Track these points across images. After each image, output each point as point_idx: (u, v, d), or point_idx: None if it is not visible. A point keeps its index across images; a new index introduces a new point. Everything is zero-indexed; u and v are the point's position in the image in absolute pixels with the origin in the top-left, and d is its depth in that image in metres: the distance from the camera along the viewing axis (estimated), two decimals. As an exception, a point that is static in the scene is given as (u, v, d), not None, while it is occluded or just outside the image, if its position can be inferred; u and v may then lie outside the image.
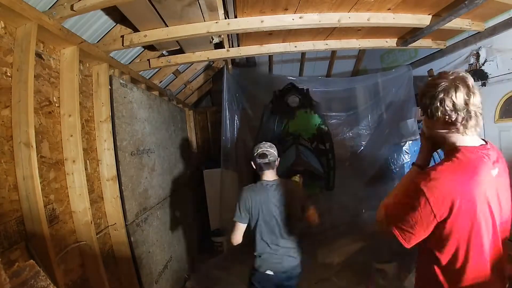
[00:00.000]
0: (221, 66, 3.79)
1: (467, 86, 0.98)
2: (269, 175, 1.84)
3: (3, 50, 1.40)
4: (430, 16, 2.39)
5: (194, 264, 3.52)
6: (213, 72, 4.08)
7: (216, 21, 2.11)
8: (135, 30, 2.13)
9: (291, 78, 3.60)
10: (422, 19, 2.39)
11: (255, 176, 3.11)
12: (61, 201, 1.70)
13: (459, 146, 1.02)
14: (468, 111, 0.97)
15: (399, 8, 2.24)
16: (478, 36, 2.66)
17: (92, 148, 2.08)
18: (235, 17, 2.17)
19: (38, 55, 1.62)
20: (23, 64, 1.42)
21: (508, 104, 2.60)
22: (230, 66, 3.44)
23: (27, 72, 1.42)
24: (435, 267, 1.05)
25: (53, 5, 1.62)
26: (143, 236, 2.41)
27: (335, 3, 2.08)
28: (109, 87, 2.20)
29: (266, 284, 1.83)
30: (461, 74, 1.01)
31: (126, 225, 2.18)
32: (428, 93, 1.04)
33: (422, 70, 3.45)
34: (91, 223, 1.79)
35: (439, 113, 1.00)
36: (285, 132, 3.31)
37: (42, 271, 0.77)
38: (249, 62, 4.04)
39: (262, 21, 2.18)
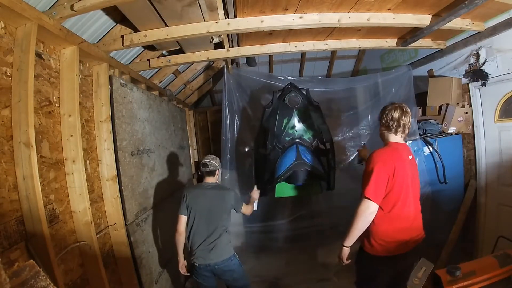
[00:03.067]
0: (221, 66, 3.79)
1: (402, 109, 1.75)
2: (210, 180, 2.22)
3: (3, 50, 1.40)
4: (430, 16, 2.39)
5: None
6: (213, 72, 4.08)
7: (216, 21, 2.11)
8: (135, 30, 2.13)
9: (291, 78, 3.60)
10: (422, 19, 2.39)
11: (257, 175, 3.12)
12: (61, 201, 1.70)
13: (391, 141, 1.79)
14: (399, 123, 1.74)
15: (399, 8, 2.24)
16: (478, 36, 2.66)
17: (92, 148, 2.08)
18: (235, 17, 2.17)
19: (38, 55, 1.62)
20: (23, 64, 1.43)
21: (508, 104, 2.60)
22: (230, 66, 3.44)
23: (27, 72, 1.42)
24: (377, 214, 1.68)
25: (53, 5, 1.62)
26: (143, 236, 2.41)
27: (335, 3, 2.09)
28: (109, 87, 2.20)
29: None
30: (401, 104, 1.79)
31: (126, 225, 2.18)
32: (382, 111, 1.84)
33: (422, 70, 3.45)
34: (91, 223, 1.79)
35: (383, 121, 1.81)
36: (285, 132, 3.31)
37: (42, 271, 0.76)
38: (249, 62, 4.04)
39: (262, 21, 2.18)
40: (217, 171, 2.22)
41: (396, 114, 1.73)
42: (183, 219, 2.13)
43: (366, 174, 1.70)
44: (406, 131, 1.78)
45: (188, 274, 2.23)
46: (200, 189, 2.19)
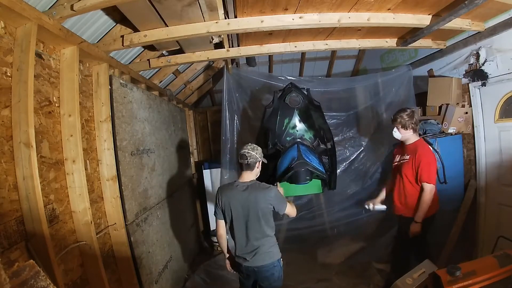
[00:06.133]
0: (221, 66, 3.79)
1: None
2: (245, 176, 1.94)
3: (3, 50, 1.40)
4: (430, 16, 2.39)
5: (194, 264, 3.52)
6: (213, 72, 4.08)
7: (216, 21, 2.11)
8: (135, 30, 2.13)
9: (291, 78, 3.59)
10: (422, 19, 2.39)
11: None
12: (61, 201, 1.70)
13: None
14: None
15: (399, 8, 2.24)
16: (478, 36, 2.66)
17: (92, 148, 2.08)
18: (235, 17, 2.17)
19: (38, 55, 1.62)
20: (23, 64, 1.43)
21: (508, 104, 2.60)
22: (230, 66, 3.44)
23: (27, 72, 1.42)
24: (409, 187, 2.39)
25: (53, 5, 1.62)
26: (143, 236, 2.41)
27: (335, 3, 2.09)
28: (109, 87, 2.20)
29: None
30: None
31: (126, 225, 2.18)
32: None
33: (422, 70, 3.45)
34: (91, 223, 1.79)
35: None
36: (286, 132, 3.31)
37: (42, 271, 0.76)
38: (249, 62, 4.04)
39: (262, 21, 2.18)
40: (257, 164, 1.92)
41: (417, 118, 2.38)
42: (220, 223, 1.97)
43: (428, 166, 2.26)
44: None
45: (234, 271, 2.11)
46: (233, 190, 1.90)
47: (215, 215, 2.00)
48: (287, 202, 1.99)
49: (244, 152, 1.89)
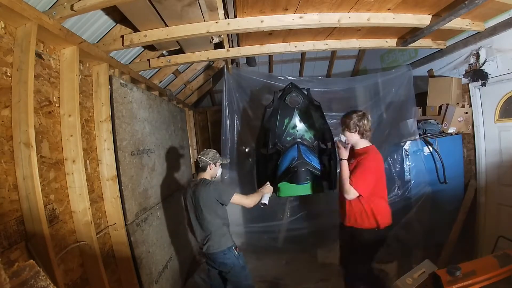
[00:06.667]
0: (221, 66, 3.79)
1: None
2: (200, 176, 2.23)
3: (3, 50, 1.40)
4: (430, 16, 2.39)
5: (194, 264, 3.52)
6: (213, 72, 4.08)
7: (216, 21, 2.11)
8: (135, 30, 2.13)
9: (291, 78, 3.60)
10: (422, 19, 2.39)
11: (258, 175, 3.12)
12: (61, 201, 1.70)
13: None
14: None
15: (399, 8, 2.24)
16: (478, 36, 2.66)
17: (92, 148, 2.08)
18: (235, 17, 2.17)
19: (38, 55, 1.62)
20: (23, 64, 1.42)
21: (508, 104, 2.60)
22: (230, 66, 3.44)
23: (27, 72, 1.42)
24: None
25: (53, 5, 1.62)
26: (143, 236, 2.41)
27: (335, 3, 2.09)
28: (109, 87, 2.20)
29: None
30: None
31: (126, 225, 2.18)
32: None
33: (422, 70, 3.45)
34: (91, 223, 1.79)
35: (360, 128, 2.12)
36: (286, 132, 3.31)
37: (42, 271, 0.76)
38: (249, 62, 4.04)
39: (262, 21, 2.18)
40: (208, 166, 2.20)
41: (369, 121, 2.15)
42: (186, 215, 2.28)
43: (366, 170, 2.01)
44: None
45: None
46: (188, 188, 2.23)
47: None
48: (236, 193, 2.17)
49: (198, 157, 2.25)
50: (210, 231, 2.13)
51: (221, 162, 2.29)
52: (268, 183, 2.51)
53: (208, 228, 2.13)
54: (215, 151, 2.28)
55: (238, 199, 2.16)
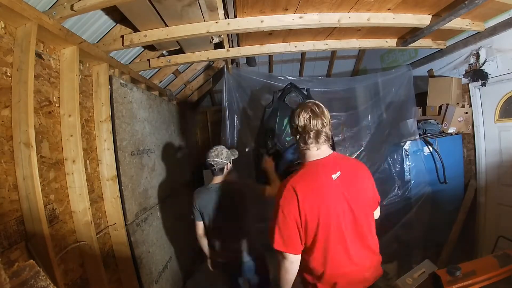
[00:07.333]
0: (221, 66, 3.79)
1: (308, 111, 1.24)
2: (217, 180, 1.98)
3: (3, 50, 1.40)
4: (430, 16, 2.39)
5: (194, 264, 3.52)
6: (213, 72, 4.08)
7: (216, 21, 2.11)
8: (135, 30, 2.13)
9: (291, 78, 3.59)
10: (422, 19, 2.39)
11: (257, 175, 3.11)
12: (61, 201, 1.70)
13: (308, 161, 1.29)
14: (305, 131, 1.24)
15: (399, 8, 2.24)
16: (478, 36, 2.66)
17: (92, 148, 2.08)
18: (235, 17, 2.17)
19: (38, 55, 1.62)
20: (23, 64, 1.43)
21: (508, 104, 2.60)
22: (230, 66, 3.44)
23: (27, 72, 1.42)
24: None
25: (53, 5, 1.62)
26: (143, 236, 2.41)
27: (335, 3, 2.08)
28: (109, 87, 2.20)
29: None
30: (309, 103, 1.29)
31: (126, 225, 2.18)
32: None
33: (422, 70, 3.45)
34: (91, 223, 1.79)
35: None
36: (286, 132, 3.31)
37: (42, 271, 0.76)
38: (249, 62, 4.04)
39: (262, 21, 2.18)
40: (225, 166, 1.96)
41: (301, 120, 1.25)
42: (199, 224, 2.03)
43: (272, 219, 1.26)
44: (322, 140, 1.26)
45: (214, 270, 2.19)
46: (209, 193, 1.96)
47: (192, 218, 2.04)
48: (266, 186, 1.98)
49: (209, 160, 1.93)
50: (242, 236, 1.97)
51: (233, 158, 2.05)
52: (266, 156, 2.31)
53: (240, 234, 1.97)
54: (223, 146, 2.04)
55: (269, 191, 1.97)
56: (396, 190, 2.97)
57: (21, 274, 0.73)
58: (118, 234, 2.13)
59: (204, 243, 2.09)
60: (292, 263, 1.26)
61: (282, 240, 1.23)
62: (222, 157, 1.94)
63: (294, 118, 1.28)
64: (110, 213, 2.13)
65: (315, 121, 1.24)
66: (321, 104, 1.30)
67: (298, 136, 1.28)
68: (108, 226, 2.10)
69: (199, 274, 3.26)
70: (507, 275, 1.55)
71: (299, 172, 1.28)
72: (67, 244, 1.68)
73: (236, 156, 2.09)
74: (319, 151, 1.28)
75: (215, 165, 1.92)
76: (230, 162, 2.00)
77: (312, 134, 1.24)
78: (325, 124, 1.26)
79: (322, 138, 1.26)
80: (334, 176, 1.25)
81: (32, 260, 0.78)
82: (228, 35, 2.54)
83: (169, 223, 3.01)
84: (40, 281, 0.74)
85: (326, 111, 1.29)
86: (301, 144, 1.28)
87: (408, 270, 2.00)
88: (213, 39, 2.47)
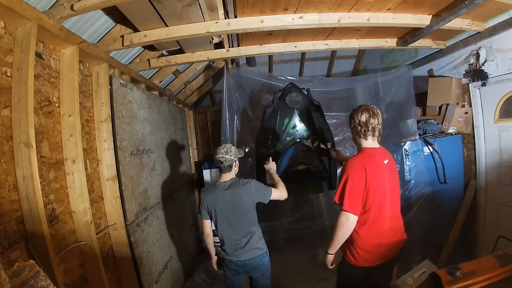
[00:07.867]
0: (221, 66, 3.79)
1: (368, 112, 1.64)
2: (225, 177, 2.01)
3: (3, 50, 1.40)
4: (430, 16, 2.39)
5: (194, 264, 3.52)
6: (213, 72, 4.08)
7: (216, 21, 2.11)
8: (135, 30, 2.13)
9: (291, 78, 3.60)
10: (422, 19, 2.39)
11: (258, 175, 3.12)
12: (61, 201, 1.70)
13: (364, 147, 1.68)
14: (367, 126, 1.63)
15: (399, 8, 2.24)
16: (478, 36, 2.66)
17: (92, 148, 2.08)
18: (235, 17, 2.17)
19: (38, 55, 1.62)
20: (23, 64, 1.43)
21: (508, 104, 2.60)
22: (230, 66, 3.44)
23: (27, 72, 1.42)
24: None
25: (53, 5, 1.62)
26: (143, 236, 2.41)
27: (335, 3, 2.09)
28: (109, 87, 2.20)
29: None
30: (368, 106, 1.68)
31: (126, 225, 2.18)
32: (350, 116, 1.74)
33: (422, 70, 3.45)
34: (91, 223, 1.79)
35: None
36: (286, 132, 3.31)
37: (42, 271, 0.76)
38: (249, 62, 4.04)
39: (262, 21, 2.18)
40: (234, 164, 1.99)
41: (363, 118, 1.64)
42: (206, 223, 2.05)
43: (341, 185, 1.61)
44: (377, 134, 1.67)
45: (218, 269, 2.19)
46: (216, 191, 1.98)
47: (200, 215, 2.07)
48: (272, 188, 2.03)
49: (219, 157, 1.96)
50: (249, 236, 1.98)
51: (240, 156, 2.08)
52: (270, 159, 2.34)
53: (247, 233, 1.98)
54: (231, 144, 2.07)
55: (276, 194, 2.03)
56: (396, 190, 2.97)
57: (21, 274, 0.73)
58: (118, 234, 2.13)
59: (210, 241, 2.09)
60: (353, 223, 1.60)
61: (350, 203, 1.57)
62: (231, 154, 1.98)
63: (358, 115, 1.66)
64: (110, 213, 2.13)
65: (373, 119, 1.63)
66: (376, 107, 1.69)
67: (358, 129, 1.66)
68: (108, 226, 2.10)
69: (199, 274, 3.26)
70: (507, 275, 1.54)
71: (361, 154, 1.67)
72: (67, 244, 1.68)
73: (242, 155, 2.13)
74: (373, 142, 1.69)
75: (224, 162, 1.95)
76: (237, 160, 2.04)
77: (370, 128, 1.63)
78: (380, 122, 1.66)
79: (377, 132, 1.67)
80: (385, 162, 1.67)
81: (32, 260, 0.78)
82: (228, 35, 2.54)
83: (169, 223, 3.01)
84: (40, 281, 0.74)
85: (380, 113, 1.68)
86: (361, 135, 1.67)
87: (408, 270, 1.99)
88: (213, 39, 2.47)
